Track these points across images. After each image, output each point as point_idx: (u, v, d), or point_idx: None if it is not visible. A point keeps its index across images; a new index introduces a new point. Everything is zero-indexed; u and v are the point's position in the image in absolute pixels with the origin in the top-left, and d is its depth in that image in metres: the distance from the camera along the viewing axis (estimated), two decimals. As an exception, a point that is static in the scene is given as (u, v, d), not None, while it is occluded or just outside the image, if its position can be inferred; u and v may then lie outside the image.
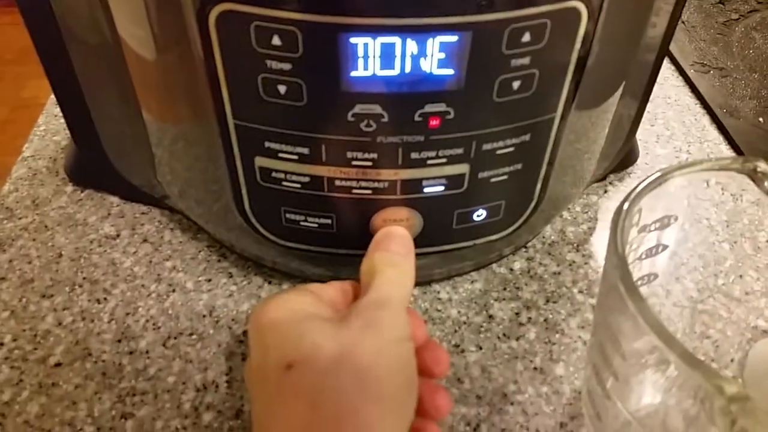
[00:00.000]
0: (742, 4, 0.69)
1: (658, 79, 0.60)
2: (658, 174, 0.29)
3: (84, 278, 0.43)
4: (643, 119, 0.55)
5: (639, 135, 0.54)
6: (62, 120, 0.51)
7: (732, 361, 0.38)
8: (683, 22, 0.66)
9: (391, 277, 0.30)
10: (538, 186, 0.35)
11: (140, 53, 0.33)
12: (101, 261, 0.44)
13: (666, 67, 0.62)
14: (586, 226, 0.47)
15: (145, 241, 0.45)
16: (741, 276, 0.42)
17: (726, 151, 0.53)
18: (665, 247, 0.34)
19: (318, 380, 0.26)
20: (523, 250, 0.45)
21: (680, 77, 0.60)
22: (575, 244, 0.45)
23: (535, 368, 0.38)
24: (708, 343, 0.39)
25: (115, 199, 0.48)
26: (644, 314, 0.24)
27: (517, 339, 0.40)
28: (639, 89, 0.43)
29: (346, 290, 0.33)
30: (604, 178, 0.50)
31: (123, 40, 0.33)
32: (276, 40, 0.27)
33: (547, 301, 0.42)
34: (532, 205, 0.36)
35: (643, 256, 0.34)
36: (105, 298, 0.42)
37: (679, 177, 0.31)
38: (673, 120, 0.56)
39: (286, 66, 0.28)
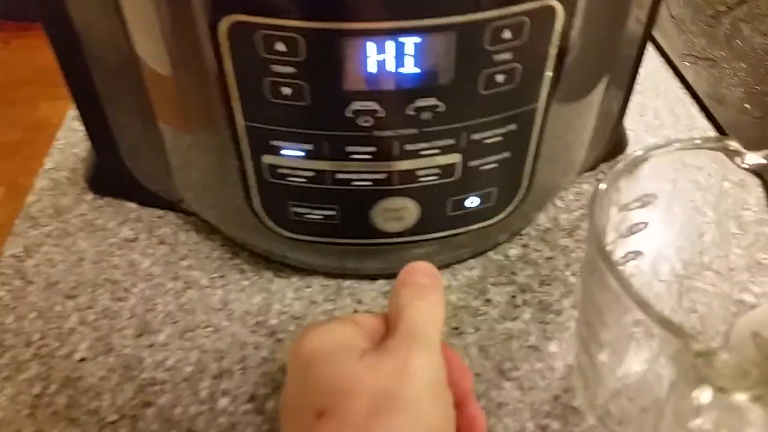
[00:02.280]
0: (729, -3, 0.71)
1: (647, 71, 0.62)
2: (634, 155, 0.32)
3: (105, 279, 0.46)
4: (633, 109, 0.57)
5: (629, 125, 0.56)
6: (80, 134, 0.55)
7: (717, 333, 0.40)
8: (672, 17, 0.68)
9: (418, 311, 0.29)
10: (527, 173, 0.37)
11: (156, 67, 0.36)
12: (121, 262, 0.47)
13: (656, 59, 0.64)
14: (579, 213, 0.49)
15: (162, 242, 0.48)
16: (726, 255, 0.44)
17: (714, 138, 0.55)
18: (646, 224, 0.36)
19: None
20: (518, 237, 0.47)
21: (670, 69, 0.63)
22: (568, 230, 0.48)
23: (529, 346, 0.40)
24: (695, 318, 0.41)
25: (132, 205, 0.51)
26: (620, 281, 0.27)
27: (513, 320, 0.42)
28: (623, 79, 0.45)
29: (386, 322, 0.31)
30: (595, 167, 0.52)
31: (140, 55, 0.36)
32: (280, 47, 0.30)
33: (542, 284, 0.44)
34: (522, 191, 0.38)
35: (626, 234, 0.36)
36: (125, 297, 0.44)
37: (655, 157, 0.33)
38: (663, 110, 0.58)
39: (290, 69, 0.30)
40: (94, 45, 0.39)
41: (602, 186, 0.30)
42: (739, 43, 0.63)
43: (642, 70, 0.62)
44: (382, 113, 0.32)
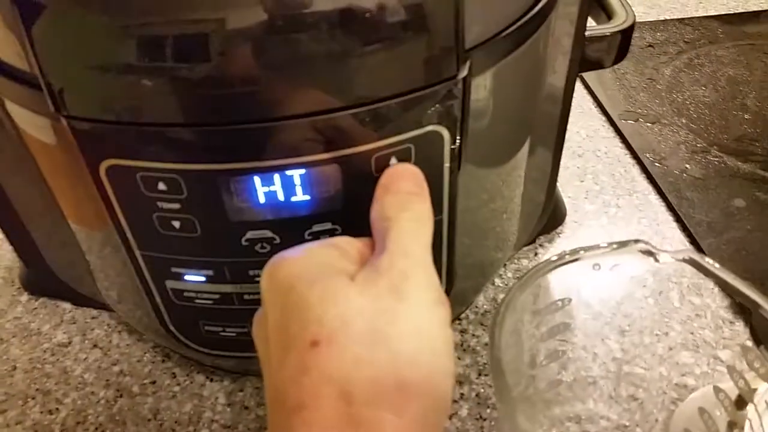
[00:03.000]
0: (671, 46, 0.71)
1: (588, 132, 0.62)
2: (535, 270, 0.31)
3: (37, 389, 0.45)
4: (573, 175, 0.57)
5: (568, 192, 0.56)
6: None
7: (657, 421, 0.40)
8: (614, 70, 0.68)
9: (408, 227, 0.27)
10: (444, 276, 0.37)
11: (59, 188, 0.35)
12: (54, 370, 0.46)
13: (597, 118, 0.64)
14: (517, 293, 0.48)
15: (95, 346, 0.47)
16: (666, 333, 0.43)
17: (655, 200, 0.55)
18: (567, 325, 0.36)
19: (350, 367, 0.23)
20: (456, 322, 0.47)
21: (611, 128, 0.63)
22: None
23: (464, 447, 0.40)
24: (635, 405, 0.40)
25: (68, 305, 0.50)
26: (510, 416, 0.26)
27: (450, 417, 0.41)
28: (547, 147, 0.45)
29: (367, 243, 0.29)
30: (533, 240, 0.52)
31: (44, 175, 0.35)
32: (162, 186, 0.29)
33: (479, 374, 0.43)
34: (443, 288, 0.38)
35: (545, 337, 0.36)
36: (57, 408, 0.44)
37: (561, 268, 0.33)
38: (603, 173, 0.58)
39: (175, 206, 0.30)
40: (2, 166, 0.38)
41: (498, 319, 0.29)
42: (679, 96, 0.63)
43: (582, 132, 0.62)
44: (278, 240, 0.31)
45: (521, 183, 0.43)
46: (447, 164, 0.31)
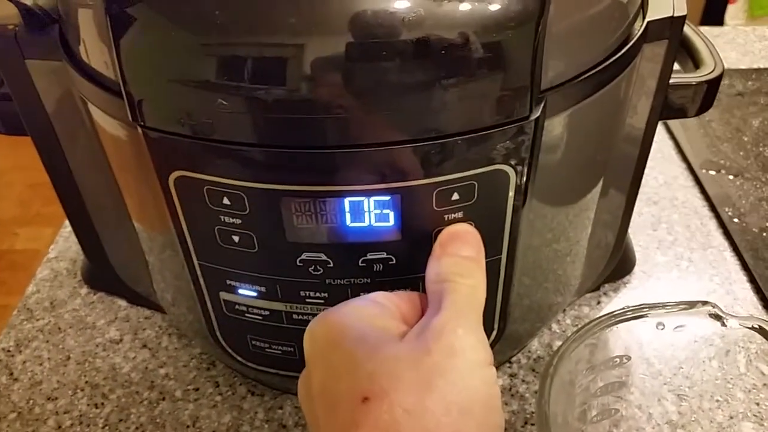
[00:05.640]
0: (762, 96, 0.68)
1: (666, 179, 0.60)
2: (590, 326, 0.30)
3: (86, 382, 0.46)
4: (646, 223, 0.55)
5: (639, 240, 0.53)
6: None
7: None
8: (699, 117, 0.65)
9: (465, 292, 0.27)
10: (497, 317, 0.36)
11: (129, 191, 0.36)
12: (104, 365, 0.47)
13: (677, 165, 0.61)
14: (573, 340, 0.47)
15: (144, 346, 0.48)
16: (728, 400, 0.41)
17: (729, 258, 0.52)
18: (623, 383, 0.34)
19: (402, 420, 0.23)
20: (507, 365, 0.45)
21: (690, 176, 0.60)
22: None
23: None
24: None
25: (123, 303, 0.51)
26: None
27: (489, 463, 0.40)
28: (620, 193, 0.43)
29: (415, 301, 0.29)
30: (597, 288, 0.50)
31: (115, 172, 0.36)
32: (226, 200, 0.29)
33: (526, 423, 0.42)
34: (494, 333, 0.36)
35: (599, 393, 0.34)
36: (102, 403, 0.44)
37: (622, 325, 0.31)
38: (678, 224, 0.55)
39: (237, 221, 0.30)
40: (77, 159, 0.40)
41: (550, 370, 0.28)
42: (766, 150, 0.60)
43: (660, 178, 0.60)
44: (331, 264, 0.31)
45: (589, 225, 0.41)
46: (510, 204, 0.30)
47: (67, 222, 0.59)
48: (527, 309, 0.40)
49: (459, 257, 0.28)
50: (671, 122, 0.65)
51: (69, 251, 0.56)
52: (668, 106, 0.41)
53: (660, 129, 0.64)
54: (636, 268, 0.51)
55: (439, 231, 0.30)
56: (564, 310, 0.48)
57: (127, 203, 0.38)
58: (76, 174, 0.41)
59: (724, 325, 0.32)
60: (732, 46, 0.81)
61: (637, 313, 0.32)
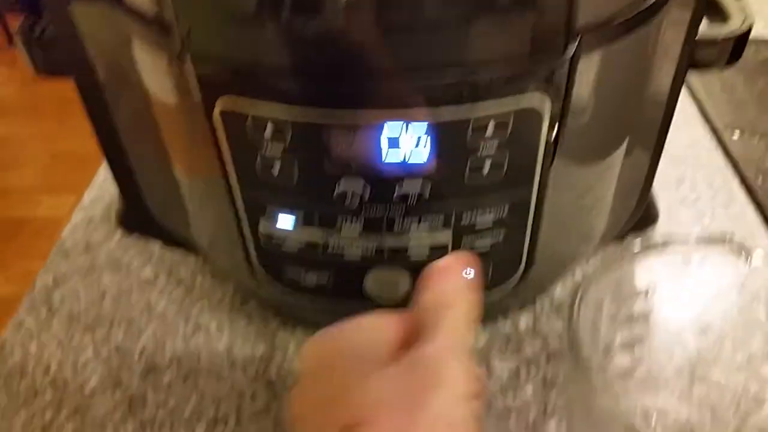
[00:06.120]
0: (788, 64, 0.68)
1: (690, 140, 0.60)
2: (622, 258, 0.31)
3: (122, 316, 0.47)
4: (670, 181, 0.56)
5: (663, 196, 0.54)
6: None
7: (728, 426, 0.38)
8: (723, 81, 0.66)
9: (458, 322, 0.27)
10: (525, 251, 0.37)
11: (169, 126, 0.37)
12: (139, 301, 0.48)
13: (700, 127, 0.62)
14: (596, 286, 0.48)
15: (179, 284, 0.49)
16: (750, 342, 0.42)
17: (751, 215, 0.53)
18: (647, 314, 0.35)
19: None
20: (531, 306, 0.46)
21: (714, 138, 0.60)
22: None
23: (527, 425, 0.39)
24: (705, 408, 0.39)
25: (157, 245, 0.53)
26: (589, 391, 0.26)
27: (514, 396, 0.41)
28: (647, 148, 0.44)
29: (412, 323, 0.28)
30: (623, 237, 0.51)
31: (156, 114, 0.37)
32: (269, 131, 0.31)
33: (549, 359, 0.43)
34: (521, 269, 0.38)
35: (625, 321, 0.35)
36: (138, 335, 0.46)
37: (652, 256, 0.32)
38: (701, 182, 0.56)
39: (279, 152, 0.31)
40: (117, 97, 0.41)
41: (586, 280, 0.29)
42: (792, 114, 0.60)
43: (684, 139, 0.60)
44: (367, 195, 0.32)
45: (614, 180, 0.42)
46: (543, 142, 0.31)
47: (100, 170, 0.60)
48: (551, 255, 0.41)
49: (453, 287, 0.29)
50: (695, 86, 0.66)
51: (103, 198, 0.57)
52: (696, 59, 0.41)
53: (684, 93, 0.65)
54: (659, 222, 0.52)
55: (472, 165, 0.31)
56: (587, 259, 0.49)
57: (167, 142, 0.39)
58: (116, 115, 0.42)
59: (748, 260, 0.33)
60: (759, 17, 0.81)
61: (664, 246, 0.33)
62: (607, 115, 0.36)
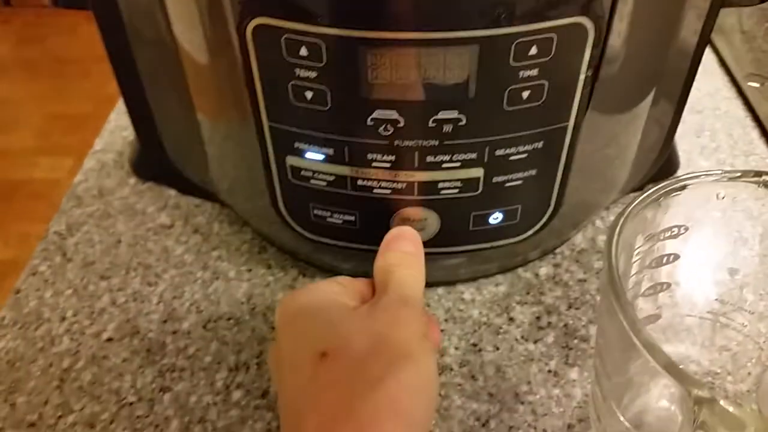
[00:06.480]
0: (808, 15, 0.67)
1: (709, 90, 0.60)
2: (663, 185, 0.30)
3: (138, 263, 0.47)
4: (689, 130, 0.55)
5: (683, 146, 0.54)
6: (129, 117, 0.56)
7: (749, 374, 0.38)
8: (743, 32, 0.65)
9: (407, 278, 0.32)
10: (555, 192, 0.36)
11: (193, 57, 0.36)
12: (155, 248, 0.48)
13: (720, 78, 0.61)
14: (617, 235, 0.47)
15: (196, 231, 0.49)
16: (768, 292, 0.41)
17: (773, 165, 0.52)
18: (677, 256, 0.35)
19: (354, 370, 0.27)
20: (551, 255, 0.46)
21: (734, 89, 0.60)
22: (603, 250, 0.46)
23: (549, 371, 0.39)
24: (726, 356, 0.39)
25: (172, 192, 0.52)
26: (628, 320, 0.25)
27: (535, 342, 0.41)
28: (673, 96, 0.43)
29: (371, 285, 0.34)
30: (642, 187, 0.50)
31: (179, 44, 0.36)
32: (303, 51, 0.30)
33: (570, 307, 0.43)
34: (550, 210, 0.37)
35: (653, 265, 0.35)
36: (155, 282, 0.46)
37: (688, 189, 0.31)
38: (721, 132, 0.55)
39: (312, 74, 0.30)
40: (138, 30, 0.40)
41: (621, 217, 0.29)
42: (813, 65, 0.60)
43: (703, 89, 0.60)
44: (402, 123, 0.31)
45: (641, 128, 0.42)
46: (585, 65, 0.30)
47: (112, 116, 0.59)
48: (573, 204, 0.40)
49: (402, 252, 0.33)
50: (715, 36, 0.65)
51: (115, 144, 0.56)
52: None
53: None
54: (679, 172, 0.51)
55: (513, 89, 0.30)
56: (607, 207, 0.49)
57: (191, 78, 0.38)
58: (137, 52, 0.41)
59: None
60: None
61: (698, 176, 0.32)
62: (640, 56, 0.35)
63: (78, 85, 2.08)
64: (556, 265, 0.45)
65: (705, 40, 0.40)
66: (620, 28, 0.31)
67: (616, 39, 0.31)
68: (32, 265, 0.47)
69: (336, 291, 0.32)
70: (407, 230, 0.34)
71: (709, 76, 0.61)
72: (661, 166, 0.50)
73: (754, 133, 0.55)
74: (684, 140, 0.54)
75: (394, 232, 0.34)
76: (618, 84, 0.35)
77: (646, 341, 0.25)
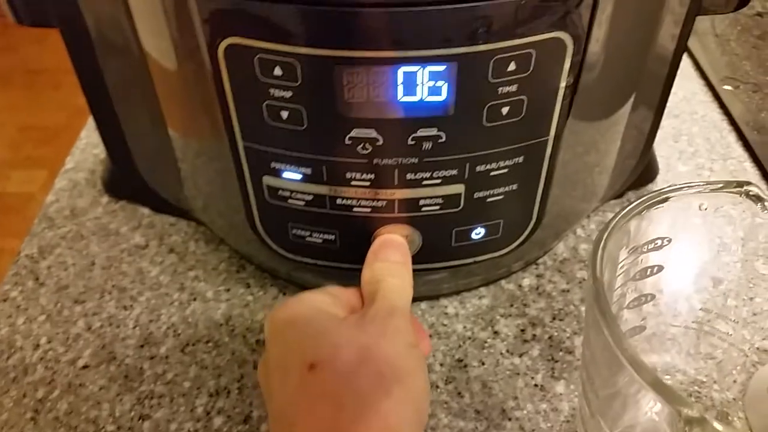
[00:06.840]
0: (779, 17, 0.68)
1: (685, 94, 0.60)
2: (644, 198, 0.30)
3: (113, 286, 0.46)
4: (667, 135, 0.55)
5: (661, 151, 0.54)
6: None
7: (735, 382, 0.38)
8: (717, 36, 0.65)
9: (394, 288, 0.32)
10: (537, 204, 0.36)
11: (165, 76, 0.35)
12: (130, 270, 0.47)
13: (695, 81, 0.61)
14: (599, 243, 0.47)
15: (171, 251, 0.48)
16: (751, 298, 0.42)
17: (750, 168, 0.52)
18: (661, 267, 0.34)
19: (342, 382, 0.27)
20: (534, 266, 0.46)
21: (709, 92, 0.60)
22: (587, 262, 0.46)
23: (535, 385, 0.39)
24: (712, 365, 0.39)
25: (146, 211, 0.51)
26: (614, 337, 0.25)
27: (521, 356, 0.40)
28: (652, 103, 0.43)
29: (355, 294, 0.34)
30: (622, 195, 0.50)
31: (150, 63, 0.35)
32: (278, 71, 0.29)
33: (554, 318, 0.42)
34: (532, 222, 0.37)
35: (638, 277, 0.34)
36: (131, 305, 0.44)
37: (670, 200, 0.31)
38: (698, 136, 0.55)
39: (288, 94, 0.30)
40: (107, 48, 0.39)
41: (605, 232, 0.28)
42: (787, 67, 0.60)
43: (680, 93, 0.60)
44: (380, 141, 0.31)
45: (620, 136, 0.42)
46: (564, 79, 0.30)
47: (83, 133, 0.58)
48: (555, 214, 0.40)
49: (389, 262, 0.34)
50: (691, 42, 0.65)
51: (86, 162, 0.55)
52: (704, 4, 0.40)
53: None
54: (659, 178, 0.51)
55: (492, 105, 0.30)
56: (588, 215, 0.49)
57: (162, 97, 0.37)
58: (106, 71, 0.40)
59: (765, 207, 0.32)
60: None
61: (679, 189, 0.32)
62: (618, 65, 0.35)
63: (50, 96, 2.05)
64: (539, 276, 0.45)
65: (682, 47, 0.40)
66: (598, 40, 0.31)
67: (595, 51, 0.31)
68: (3, 291, 0.46)
69: (325, 301, 0.31)
70: (394, 238, 0.34)
71: (685, 80, 0.61)
72: (640, 173, 0.49)
73: (731, 137, 0.55)
74: (662, 145, 0.54)
75: (380, 241, 0.34)
76: (597, 93, 0.35)
77: (633, 359, 0.24)
